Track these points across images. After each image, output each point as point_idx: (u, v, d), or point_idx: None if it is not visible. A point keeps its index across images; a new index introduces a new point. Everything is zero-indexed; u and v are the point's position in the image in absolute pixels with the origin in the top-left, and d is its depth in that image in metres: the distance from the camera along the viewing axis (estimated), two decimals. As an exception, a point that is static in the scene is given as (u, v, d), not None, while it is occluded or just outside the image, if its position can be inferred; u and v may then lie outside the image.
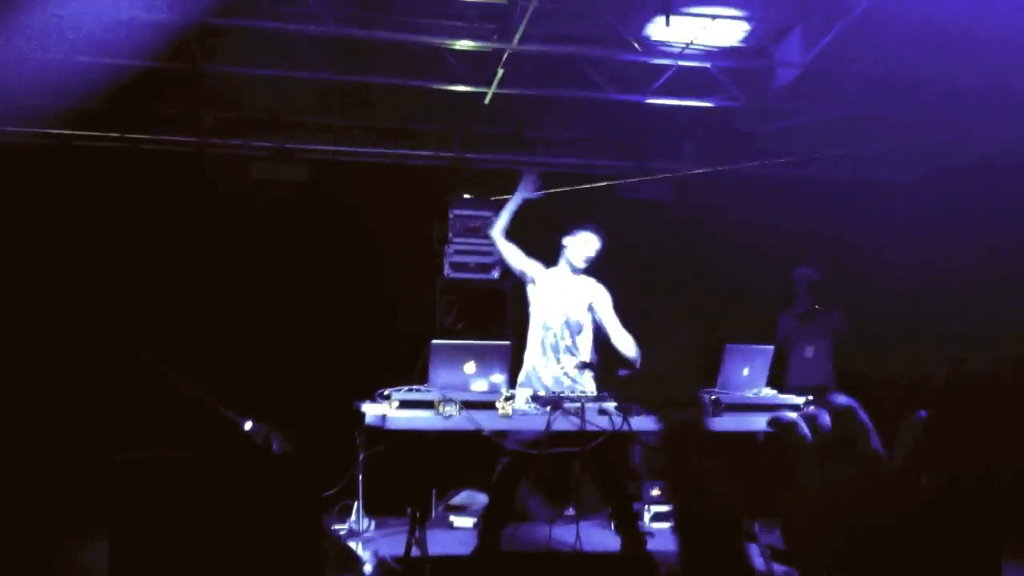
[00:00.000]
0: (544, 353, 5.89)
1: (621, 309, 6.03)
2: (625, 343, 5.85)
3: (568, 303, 5.93)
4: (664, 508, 7.18)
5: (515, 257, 5.99)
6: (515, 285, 7.70)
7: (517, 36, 6.30)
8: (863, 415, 1.25)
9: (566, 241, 5.97)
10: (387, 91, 7.28)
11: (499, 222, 6.00)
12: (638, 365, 5.62)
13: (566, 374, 5.86)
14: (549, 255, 6.06)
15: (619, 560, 5.76)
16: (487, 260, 7.88)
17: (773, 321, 7.90)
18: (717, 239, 8.53)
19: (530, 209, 6.10)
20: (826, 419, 1.23)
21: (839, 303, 7.79)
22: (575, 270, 5.95)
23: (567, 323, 5.91)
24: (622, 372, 5.62)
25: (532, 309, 6.01)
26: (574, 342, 5.92)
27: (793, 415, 1.07)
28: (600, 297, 5.98)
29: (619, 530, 5.83)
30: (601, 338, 5.99)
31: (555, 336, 5.89)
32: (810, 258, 7.91)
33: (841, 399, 1.22)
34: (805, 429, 1.23)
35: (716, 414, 5.32)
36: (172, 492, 3.99)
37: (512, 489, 5.80)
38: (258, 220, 7.89)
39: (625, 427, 5.13)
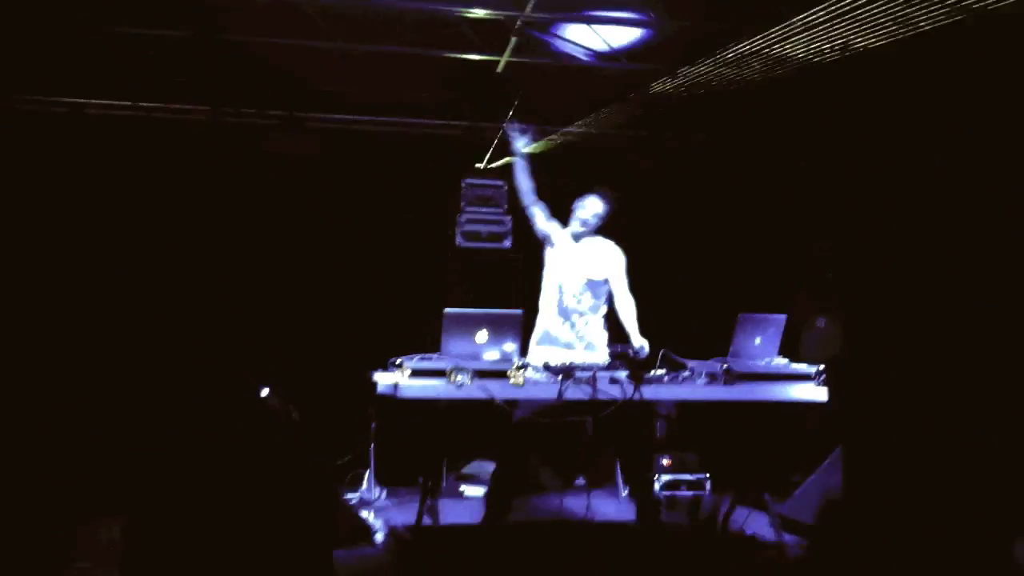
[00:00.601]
0: (559, 314, 5.89)
1: (632, 274, 6.03)
2: (630, 317, 5.86)
3: (583, 265, 5.92)
4: (673, 477, 7.20)
5: (541, 220, 5.99)
6: (527, 254, 7.73)
7: (530, 5, 6.24)
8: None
9: (574, 205, 5.97)
10: (399, 59, 7.23)
11: (520, 190, 5.98)
12: (638, 348, 5.58)
13: (580, 337, 5.86)
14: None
15: (630, 530, 5.78)
16: (498, 229, 7.87)
17: (786, 291, 7.87)
18: (731, 207, 8.52)
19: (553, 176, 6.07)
20: None
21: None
22: (577, 234, 5.94)
23: (582, 285, 5.90)
24: (619, 347, 5.60)
25: (547, 271, 6.00)
26: (588, 304, 5.91)
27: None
28: (614, 259, 5.97)
29: (634, 500, 5.83)
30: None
31: (573, 297, 5.89)
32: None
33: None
34: None
35: (728, 383, 5.32)
36: (187, 462, 4.01)
37: (520, 457, 5.81)
38: (270, 190, 7.89)
39: (636, 396, 5.13)
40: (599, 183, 6.28)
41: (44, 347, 7.24)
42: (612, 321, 5.96)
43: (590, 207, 5.93)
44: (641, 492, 5.75)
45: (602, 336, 5.92)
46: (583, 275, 5.91)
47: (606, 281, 5.95)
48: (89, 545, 5.14)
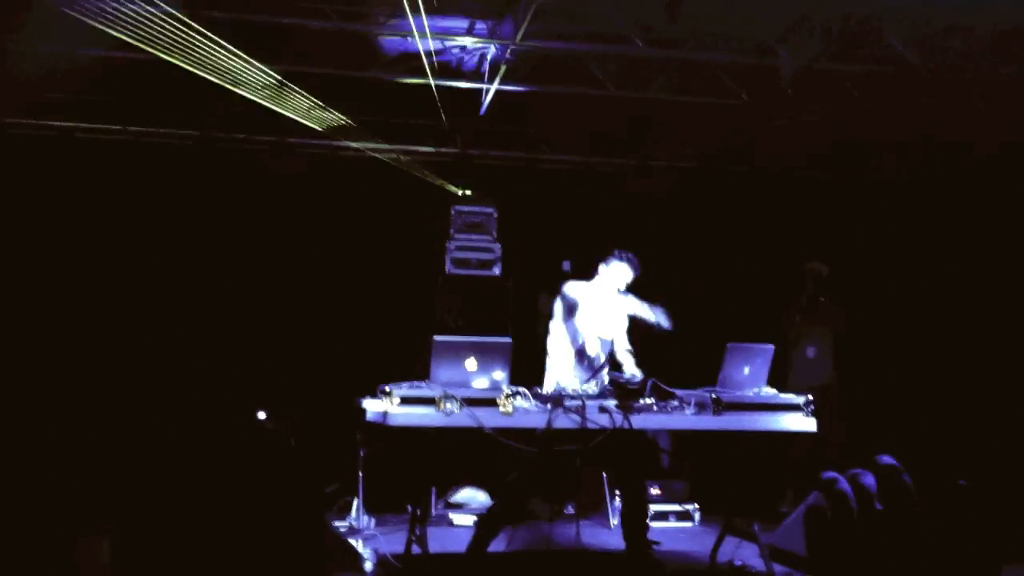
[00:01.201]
0: (577, 366, 5.86)
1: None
2: (627, 357, 5.92)
3: (604, 322, 5.92)
4: (663, 508, 7.19)
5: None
6: (516, 282, 7.73)
7: (520, 34, 6.28)
8: (907, 476, 1.22)
9: (601, 268, 5.94)
10: (389, 87, 7.26)
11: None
12: (629, 377, 5.60)
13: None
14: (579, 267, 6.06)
15: (619, 559, 5.75)
16: (488, 257, 7.89)
17: (773, 320, 7.89)
18: (718, 235, 8.56)
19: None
20: (870, 480, 1.20)
21: (844, 301, 7.79)
22: (607, 296, 5.93)
23: (603, 341, 5.90)
24: (617, 376, 5.61)
25: (565, 323, 5.95)
26: (606, 359, 5.91)
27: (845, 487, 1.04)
28: (630, 310, 5.99)
29: (624, 528, 5.79)
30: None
31: (593, 352, 5.87)
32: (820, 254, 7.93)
33: (885, 459, 1.18)
34: (852, 499, 1.19)
35: (717, 412, 5.32)
36: (175, 484, 3.98)
37: (522, 497, 5.78)
38: (258, 216, 7.90)
39: (625, 425, 5.13)
40: (590, 208, 6.28)
41: (33, 364, 7.21)
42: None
43: (624, 274, 5.87)
44: (632, 524, 5.72)
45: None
46: (603, 332, 5.90)
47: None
48: (77, 563, 5.09)
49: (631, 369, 5.80)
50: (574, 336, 5.89)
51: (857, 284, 8.14)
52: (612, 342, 5.97)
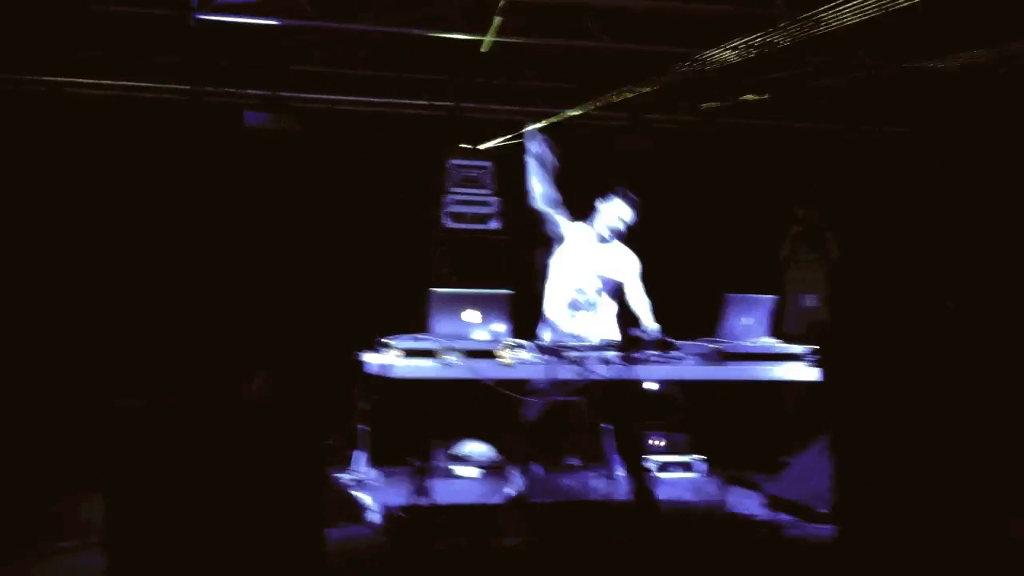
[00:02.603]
0: (570, 307, 5.85)
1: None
2: (644, 310, 5.88)
3: (603, 265, 5.89)
4: (667, 459, 7.21)
5: (562, 223, 5.92)
6: (514, 235, 7.69)
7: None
8: None
9: (599, 205, 5.90)
10: (383, 39, 7.17)
11: (532, 193, 5.88)
12: (651, 330, 5.60)
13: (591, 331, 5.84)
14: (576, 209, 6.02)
15: (627, 508, 5.76)
16: (484, 211, 7.85)
17: (771, 273, 7.90)
18: (715, 187, 8.54)
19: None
20: None
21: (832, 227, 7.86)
22: (601, 238, 5.89)
23: (599, 283, 5.87)
24: (632, 331, 5.59)
25: (558, 267, 5.93)
26: (601, 300, 5.89)
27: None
28: (628, 263, 5.96)
29: (629, 478, 5.82)
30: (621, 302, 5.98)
31: (588, 293, 5.85)
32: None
33: None
34: None
35: (719, 363, 5.33)
36: (170, 441, 3.95)
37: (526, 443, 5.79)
38: (253, 170, 7.83)
39: (625, 375, 5.14)
40: (585, 163, 6.23)
41: (25, 329, 7.17)
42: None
43: (622, 213, 5.87)
44: (634, 472, 5.75)
45: (614, 329, 5.90)
46: (603, 273, 5.88)
47: (621, 283, 5.92)
48: (72, 522, 5.09)
49: (648, 323, 5.77)
50: (563, 275, 5.88)
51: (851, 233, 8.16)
52: (621, 285, 5.93)
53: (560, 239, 5.91)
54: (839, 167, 8.65)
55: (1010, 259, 7.86)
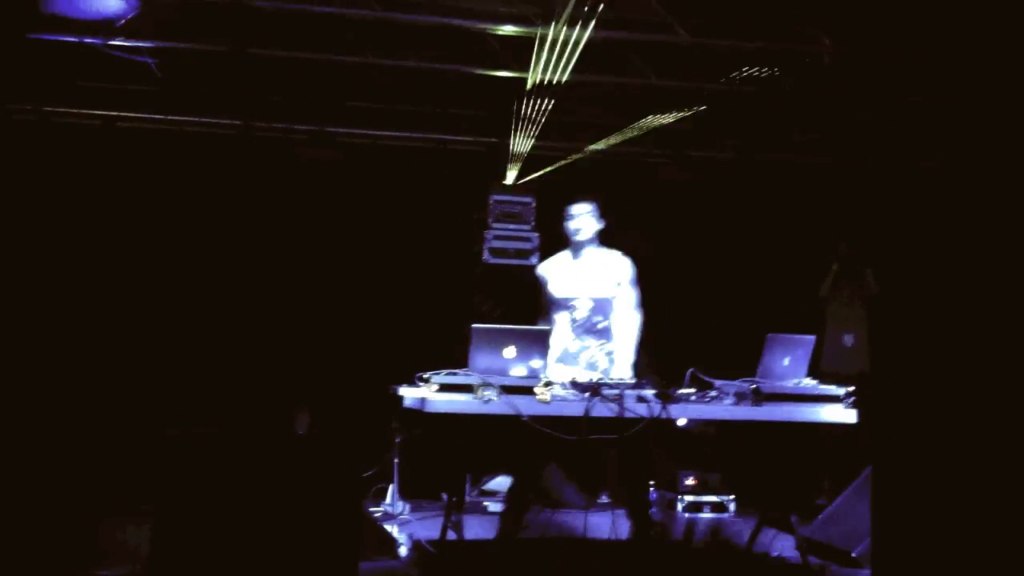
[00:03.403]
0: (572, 332, 5.82)
1: (659, 291, 5.96)
2: (624, 325, 5.79)
3: (591, 281, 5.85)
4: (700, 499, 7.17)
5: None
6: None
7: (561, 21, 6.25)
8: None
9: (565, 218, 5.85)
10: (428, 75, 7.26)
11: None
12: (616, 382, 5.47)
13: (599, 360, 5.79)
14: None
15: (645, 547, 5.70)
16: (526, 246, 7.87)
17: (811, 309, 7.85)
18: (754, 225, 8.53)
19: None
20: None
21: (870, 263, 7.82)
22: (578, 245, 5.85)
23: (592, 302, 5.83)
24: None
25: (553, 293, 5.91)
26: (601, 321, 5.83)
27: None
28: (618, 270, 5.88)
29: (631, 517, 5.75)
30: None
31: (582, 315, 5.81)
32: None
33: None
34: None
35: (756, 403, 5.28)
36: (217, 469, 4.01)
37: (536, 470, 5.74)
38: (298, 204, 7.94)
39: (663, 415, 5.10)
40: (627, 197, 6.23)
41: (77, 349, 7.31)
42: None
43: (578, 211, 5.79)
44: (636, 510, 5.69)
45: (628, 353, 5.85)
46: (592, 292, 5.83)
47: (613, 298, 5.88)
48: (115, 548, 5.15)
49: (622, 365, 5.72)
50: (559, 303, 5.84)
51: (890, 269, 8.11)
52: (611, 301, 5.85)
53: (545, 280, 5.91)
54: (879, 203, 8.59)
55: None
